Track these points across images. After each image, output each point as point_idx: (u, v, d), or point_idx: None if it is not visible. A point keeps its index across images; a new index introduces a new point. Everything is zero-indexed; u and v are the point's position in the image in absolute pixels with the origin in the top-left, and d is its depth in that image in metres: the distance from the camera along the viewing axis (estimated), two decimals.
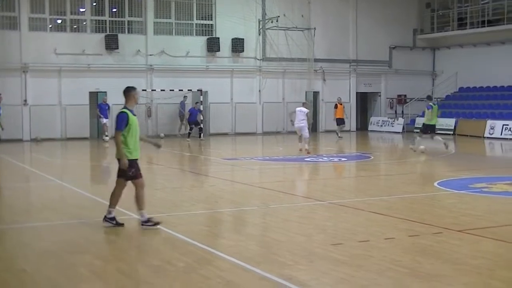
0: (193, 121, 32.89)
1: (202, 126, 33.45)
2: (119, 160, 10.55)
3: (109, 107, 32.34)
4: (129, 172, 10.53)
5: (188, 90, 34.32)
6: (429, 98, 25.99)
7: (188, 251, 9.06)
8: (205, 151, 27.56)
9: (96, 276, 7.88)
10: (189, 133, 32.71)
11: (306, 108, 25.22)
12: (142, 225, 10.60)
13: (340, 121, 33.87)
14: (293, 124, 25.45)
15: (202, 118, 33.46)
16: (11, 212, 12.98)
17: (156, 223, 10.60)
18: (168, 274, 7.91)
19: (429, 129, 24.85)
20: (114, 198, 10.81)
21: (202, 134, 33.37)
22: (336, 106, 34.02)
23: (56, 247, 9.43)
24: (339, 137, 33.01)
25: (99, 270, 8.16)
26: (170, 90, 33.73)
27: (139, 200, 10.68)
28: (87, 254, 8.97)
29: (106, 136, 31.59)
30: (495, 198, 13.83)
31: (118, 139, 10.41)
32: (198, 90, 34.25)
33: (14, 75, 32.14)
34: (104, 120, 32.06)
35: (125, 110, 10.54)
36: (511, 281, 7.65)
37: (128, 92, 10.63)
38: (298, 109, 25.18)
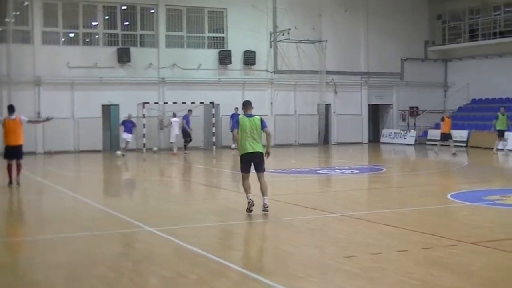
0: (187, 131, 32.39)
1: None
2: (238, 154, 13.61)
3: (133, 124, 31.48)
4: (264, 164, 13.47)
5: (200, 102, 34.41)
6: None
7: (200, 263, 9.06)
8: (217, 164, 27.57)
9: (109, 287, 7.89)
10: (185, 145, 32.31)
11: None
12: (265, 209, 13.00)
13: (446, 136, 30.63)
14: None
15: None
16: (24, 224, 13.04)
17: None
18: (180, 286, 7.92)
19: None
20: (248, 187, 13.35)
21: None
22: (443, 119, 31.03)
23: (69, 259, 9.46)
24: (437, 153, 30.20)
25: (111, 282, 8.17)
26: (182, 102, 33.80)
27: (266, 188, 13.32)
28: (100, 265, 8.99)
29: (121, 152, 30.48)
30: (509, 211, 13.76)
31: (271, 136, 13.95)
32: (210, 102, 34.32)
33: (27, 88, 32.33)
34: (125, 135, 31.00)
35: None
36: None
37: (249, 104, 14.03)
38: (173, 119, 31.87)
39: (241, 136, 13.30)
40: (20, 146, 18.69)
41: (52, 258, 9.58)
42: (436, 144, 31.72)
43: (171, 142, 31.88)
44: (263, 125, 13.41)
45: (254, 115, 13.57)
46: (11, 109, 18.86)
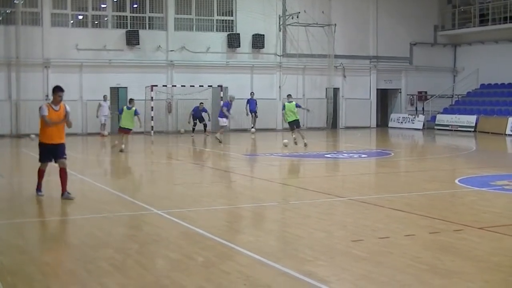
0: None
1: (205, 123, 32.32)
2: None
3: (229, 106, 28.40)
4: None
5: (208, 86, 34.37)
6: (289, 96, 27.18)
7: (208, 246, 9.09)
8: (225, 147, 27.55)
9: (117, 269, 7.92)
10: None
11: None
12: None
13: None
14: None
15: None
16: (34, 206, 13.09)
17: None
18: (188, 269, 7.95)
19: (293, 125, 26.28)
20: None
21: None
22: None
23: (78, 241, 9.51)
24: None
25: (119, 264, 8.20)
26: (191, 86, 33.79)
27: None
28: (108, 248, 9.03)
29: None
30: None
31: None
32: (218, 86, 34.29)
33: (36, 70, 32.40)
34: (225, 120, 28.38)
35: None
36: None
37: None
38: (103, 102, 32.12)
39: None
40: (63, 145, 13.33)
41: (62, 240, 9.64)
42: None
43: (103, 124, 32.50)
44: None
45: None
46: (58, 90, 13.15)
